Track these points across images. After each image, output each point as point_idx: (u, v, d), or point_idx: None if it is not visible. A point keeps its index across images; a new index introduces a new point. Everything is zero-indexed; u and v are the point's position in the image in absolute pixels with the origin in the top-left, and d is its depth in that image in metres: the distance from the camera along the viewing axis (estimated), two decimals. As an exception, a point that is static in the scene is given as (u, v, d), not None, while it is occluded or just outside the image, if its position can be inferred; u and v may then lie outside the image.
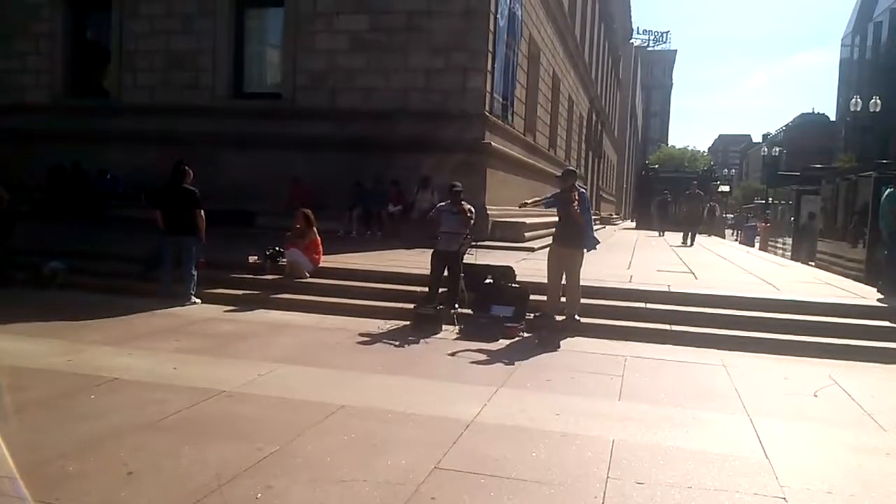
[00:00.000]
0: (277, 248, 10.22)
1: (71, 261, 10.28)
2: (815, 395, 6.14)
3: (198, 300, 9.21)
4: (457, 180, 9.58)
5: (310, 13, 15.91)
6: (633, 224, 37.92)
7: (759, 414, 5.41)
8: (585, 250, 8.42)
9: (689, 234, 20.21)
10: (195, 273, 9.31)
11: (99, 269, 10.35)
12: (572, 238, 8.32)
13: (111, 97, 17.74)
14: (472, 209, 8.98)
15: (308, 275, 9.87)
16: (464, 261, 8.91)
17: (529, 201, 9.07)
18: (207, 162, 13.22)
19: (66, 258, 10.31)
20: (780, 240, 32.04)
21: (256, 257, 10.35)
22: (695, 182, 25.88)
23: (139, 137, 16.10)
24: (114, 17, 17.44)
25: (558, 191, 8.52)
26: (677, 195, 25.14)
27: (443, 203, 9.20)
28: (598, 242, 8.73)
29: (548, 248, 8.95)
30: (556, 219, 8.67)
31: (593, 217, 9.22)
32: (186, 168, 9.62)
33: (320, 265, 10.08)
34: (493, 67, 15.56)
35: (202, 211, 9.42)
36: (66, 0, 18.00)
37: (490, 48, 15.32)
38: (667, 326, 8.23)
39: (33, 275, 9.91)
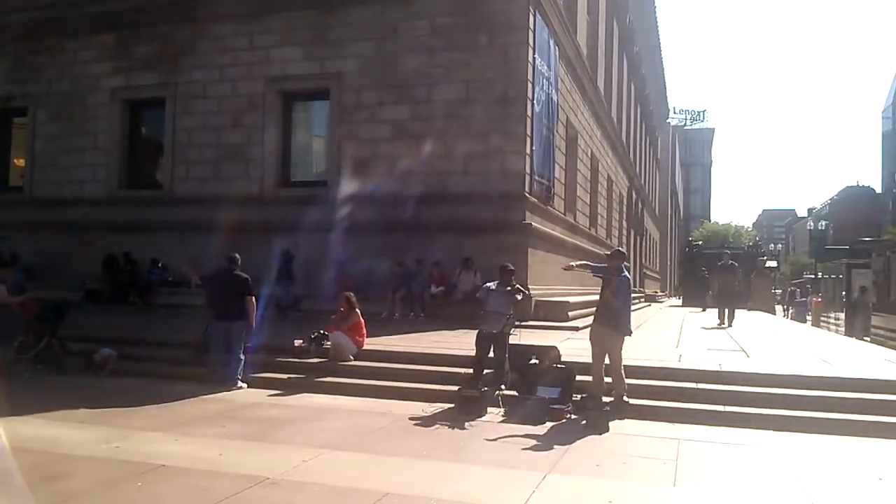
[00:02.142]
0: (322, 332, 10.29)
1: (122, 347, 10.51)
2: (880, 479, 5.82)
3: (244, 385, 9.27)
4: (499, 260, 9.64)
5: (353, 105, 16.54)
6: (680, 301, 37.24)
7: (824, 502, 5.13)
8: (624, 334, 8.29)
9: (725, 311, 17.34)
10: (243, 358, 9.41)
11: (148, 355, 10.54)
12: (610, 318, 8.23)
13: (164, 189, 18.49)
14: (524, 289, 8.98)
15: (352, 358, 9.89)
16: (508, 341, 8.84)
17: (575, 264, 9.06)
18: (255, 248, 13.54)
19: (117, 345, 10.54)
20: (832, 315, 31.06)
21: (301, 341, 10.42)
22: (727, 252, 23.28)
23: (190, 227, 16.63)
24: (167, 114, 18.38)
25: (605, 264, 8.51)
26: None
27: (490, 283, 9.21)
28: (629, 333, 8.54)
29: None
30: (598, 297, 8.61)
31: (633, 297, 9.15)
32: (236, 256, 9.88)
33: (364, 348, 10.09)
34: (531, 150, 15.84)
35: (253, 297, 9.60)
36: (124, 99, 19.05)
37: (528, 132, 15.64)
38: (720, 407, 7.95)
39: (85, 361, 10.13)
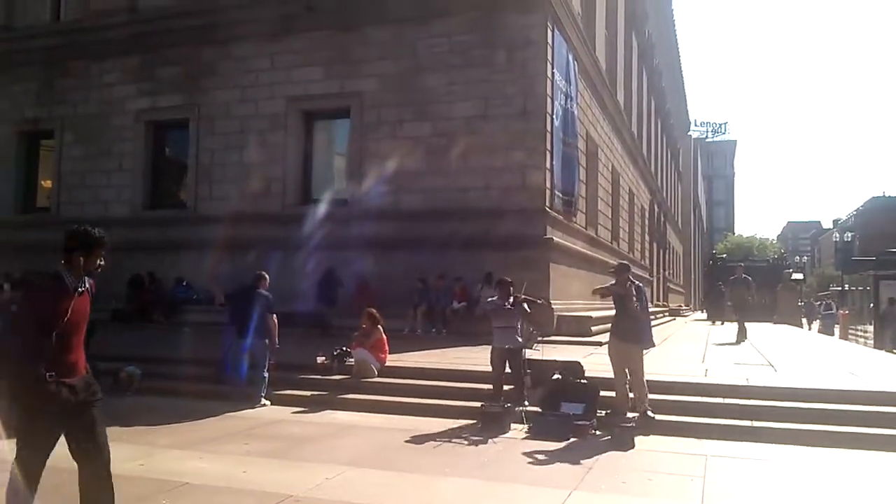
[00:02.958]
0: (345, 349, 10.31)
1: (146, 366, 10.60)
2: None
3: (268, 402, 9.30)
4: (520, 276, 9.59)
5: (374, 122, 16.68)
6: (705, 315, 36.86)
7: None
8: (642, 347, 8.21)
9: (738, 326, 16.59)
10: (266, 375, 9.45)
11: (173, 373, 10.61)
12: (628, 332, 8.15)
13: (187, 208, 18.73)
14: (534, 298, 8.90)
15: (375, 374, 9.88)
16: (526, 356, 8.76)
17: (596, 291, 9.00)
18: (278, 266, 13.62)
19: (142, 363, 10.64)
20: (860, 327, 30.52)
21: (324, 358, 10.44)
22: (741, 265, 22.58)
23: (214, 245, 16.78)
24: (191, 134, 18.65)
25: (613, 281, 8.46)
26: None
27: (491, 298, 9.14)
28: (652, 345, 8.48)
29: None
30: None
31: (657, 311, 9.07)
32: (263, 274, 9.96)
33: (386, 364, 10.09)
34: (551, 164, 15.84)
35: (274, 315, 9.66)
36: (148, 121, 19.38)
37: (548, 146, 15.65)
38: (748, 423, 7.82)
39: (110, 380, 10.22)
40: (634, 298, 8.11)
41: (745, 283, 17.38)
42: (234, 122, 18.09)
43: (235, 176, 17.94)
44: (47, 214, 20.26)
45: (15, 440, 3.85)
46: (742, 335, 16.04)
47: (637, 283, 8.45)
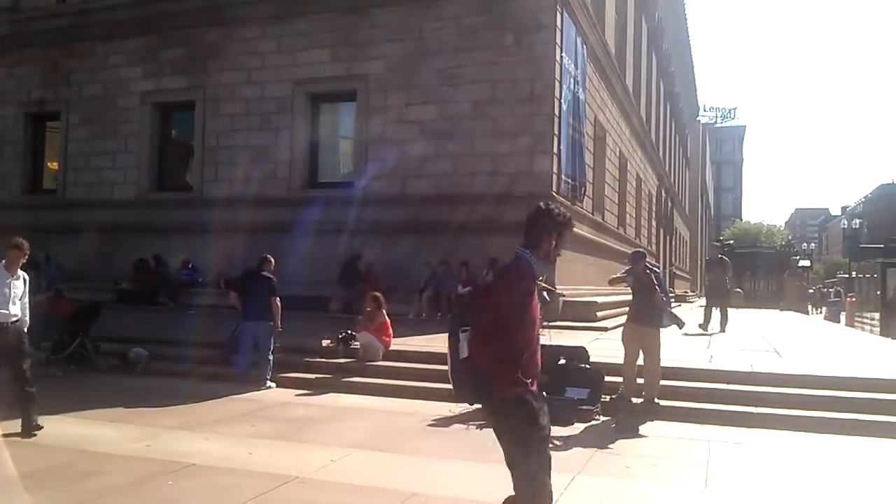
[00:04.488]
0: (350, 332, 10.33)
1: (153, 347, 10.66)
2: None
3: (273, 384, 9.34)
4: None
5: (380, 106, 16.58)
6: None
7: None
8: (662, 328, 8.19)
9: (711, 313, 14.91)
10: (271, 358, 9.49)
11: (179, 355, 10.65)
12: (647, 316, 8.12)
13: (193, 190, 18.71)
14: (550, 287, 8.90)
15: (381, 357, 9.91)
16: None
17: (612, 280, 8.95)
18: (283, 249, 13.62)
19: (149, 345, 10.70)
20: (866, 315, 30.40)
21: (329, 341, 10.47)
22: (717, 245, 20.82)
23: (219, 228, 16.77)
24: (196, 117, 18.58)
25: (630, 267, 8.44)
26: (755, 272, 22.91)
27: (483, 279, 9.12)
28: (683, 322, 8.51)
29: (622, 327, 8.75)
30: (629, 297, 8.51)
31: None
32: (269, 257, 9.97)
33: (391, 348, 10.11)
34: (559, 149, 15.74)
35: (278, 298, 9.67)
36: (153, 103, 19.32)
37: (555, 131, 15.55)
38: (752, 409, 7.82)
39: (117, 361, 10.29)
40: (657, 287, 8.09)
41: (721, 265, 15.56)
42: (240, 104, 18.02)
43: (241, 159, 17.87)
44: (53, 196, 20.32)
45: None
46: (724, 323, 14.63)
47: (655, 269, 8.43)
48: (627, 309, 8.73)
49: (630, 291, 8.49)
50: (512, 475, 3.39)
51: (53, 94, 20.26)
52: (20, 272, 6.81)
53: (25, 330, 6.86)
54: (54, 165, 20.85)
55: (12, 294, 6.66)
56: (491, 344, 3.23)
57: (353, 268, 15.20)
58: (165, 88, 18.99)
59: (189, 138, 19.06)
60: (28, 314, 6.94)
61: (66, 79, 20.02)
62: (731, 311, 15.53)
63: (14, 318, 6.65)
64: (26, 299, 6.91)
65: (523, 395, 3.30)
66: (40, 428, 6.55)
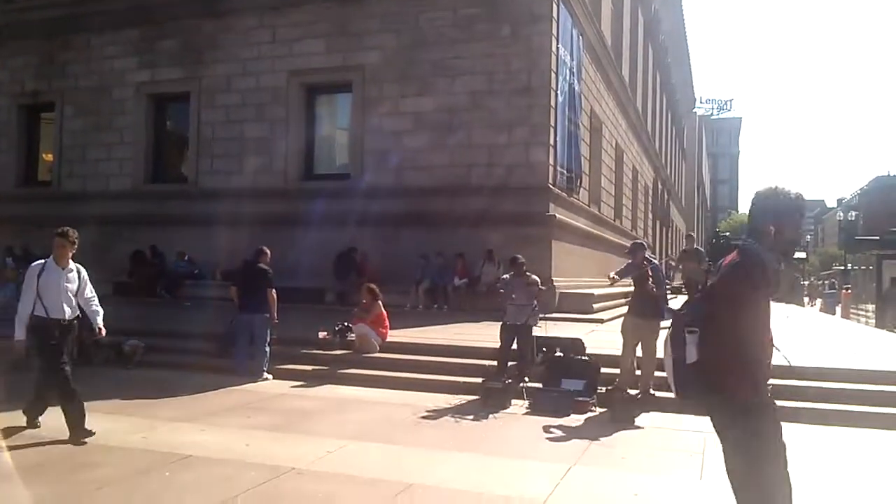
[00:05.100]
0: (346, 324, 10.33)
1: (149, 339, 10.64)
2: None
3: (270, 376, 9.34)
4: (522, 253, 9.61)
5: (376, 97, 16.53)
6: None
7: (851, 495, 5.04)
8: (663, 321, 8.21)
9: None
10: (268, 350, 9.48)
11: (175, 347, 10.65)
12: (646, 308, 8.14)
13: (189, 182, 18.66)
14: (537, 279, 8.96)
15: (377, 349, 9.92)
16: (532, 333, 8.81)
17: (613, 275, 8.95)
18: (280, 241, 13.60)
19: (145, 337, 10.67)
20: (862, 307, 30.48)
21: (326, 333, 10.47)
22: (692, 235, 20.07)
23: (215, 220, 16.73)
24: (192, 108, 18.52)
25: (629, 261, 8.46)
26: None
27: (506, 275, 9.20)
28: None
29: (620, 320, 8.77)
30: (628, 289, 8.54)
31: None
32: (265, 249, 9.95)
33: (387, 339, 10.12)
34: (555, 141, 15.72)
35: (274, 290, 9.66)
36: (149, 94, 19.24)
37: (551, 122, 15.52)
38: (747, 400, 7.83)
39: (113, 353, 10.26)
40: (650, 279, 8.11)
41: (697, 256, 15.13)
42: (235, 95, 17.95)
43: (237, 150, 17.84)
44: (48, 188, 20.24)
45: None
46: None
47: (654, 261, 8.45)
48: (624, 301, 8.77)
49: (631, 283, 8.53)
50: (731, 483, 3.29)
51: (48, 85, 20.15)
52: (73, 264, 6.45)
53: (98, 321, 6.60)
54: (49, 157, 20.75)
55: (65, 289, 6.27)
56: (728, 344, 3.04)
57: (348, 259, 15.21)
58: (160, 79, 18.90)
59: (184, 130, 19.01)
60: (95, 306, 6.60)
61: (60, 70, 19.93)
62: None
63: (72, 317, 6.31)
64: (88, 292, 6.56)
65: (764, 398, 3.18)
66: (92, 434, 6.15)
